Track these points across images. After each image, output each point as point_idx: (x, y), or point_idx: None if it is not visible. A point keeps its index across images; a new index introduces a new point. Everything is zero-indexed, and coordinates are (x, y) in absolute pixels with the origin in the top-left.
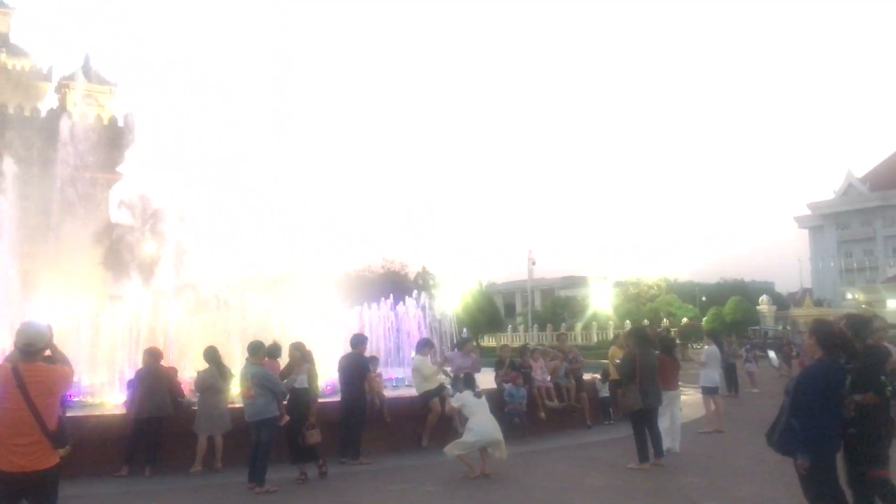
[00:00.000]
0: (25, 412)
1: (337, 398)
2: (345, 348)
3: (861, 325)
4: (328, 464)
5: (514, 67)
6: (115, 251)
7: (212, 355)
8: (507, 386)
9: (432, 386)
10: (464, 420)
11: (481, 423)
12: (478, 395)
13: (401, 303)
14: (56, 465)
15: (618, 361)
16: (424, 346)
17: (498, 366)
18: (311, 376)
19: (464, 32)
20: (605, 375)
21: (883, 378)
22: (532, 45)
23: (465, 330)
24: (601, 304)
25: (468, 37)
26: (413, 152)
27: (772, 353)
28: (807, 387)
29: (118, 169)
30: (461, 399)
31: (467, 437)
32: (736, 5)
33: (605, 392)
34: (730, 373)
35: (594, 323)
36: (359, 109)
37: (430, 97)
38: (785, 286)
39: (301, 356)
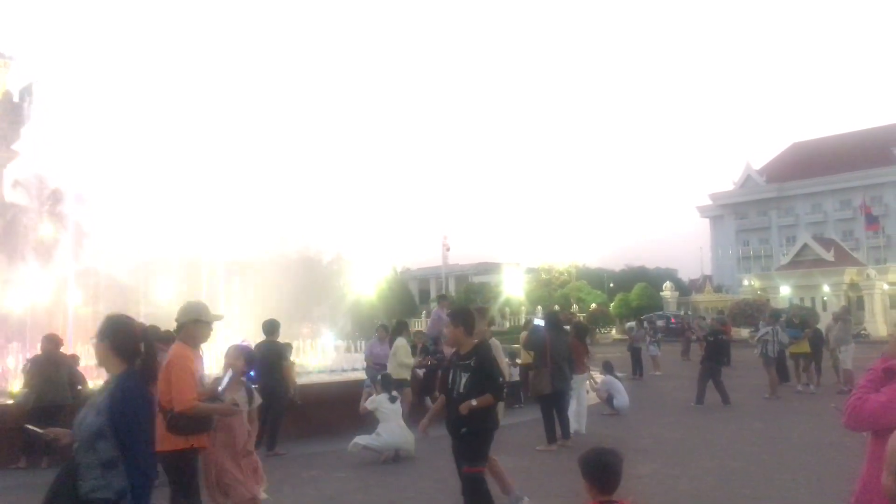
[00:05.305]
0: None
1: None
2: (256, 336)
3: (461, 315)
4: None
5: (424, 53)
6: (10, 233)
7: None
8: None
9: None
10: (376, 421)
11: (391, 431)
12: (392, 399)
13: None
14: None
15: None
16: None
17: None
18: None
19: (373, 20)
20: (514, 359)
21: (501, 380)
22: (437, 30)
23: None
24: (514, 289)
25: (378, 21)
26: (329, 137)
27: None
28: (135, 414)
29: (13, 147)
30: (375, 402)
31: (375, 441)
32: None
33: (515, 376)
34: (635, 356)
35: (507, 308)
36: (275, 93)
37: (344, 82)
38: (687, 273)
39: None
